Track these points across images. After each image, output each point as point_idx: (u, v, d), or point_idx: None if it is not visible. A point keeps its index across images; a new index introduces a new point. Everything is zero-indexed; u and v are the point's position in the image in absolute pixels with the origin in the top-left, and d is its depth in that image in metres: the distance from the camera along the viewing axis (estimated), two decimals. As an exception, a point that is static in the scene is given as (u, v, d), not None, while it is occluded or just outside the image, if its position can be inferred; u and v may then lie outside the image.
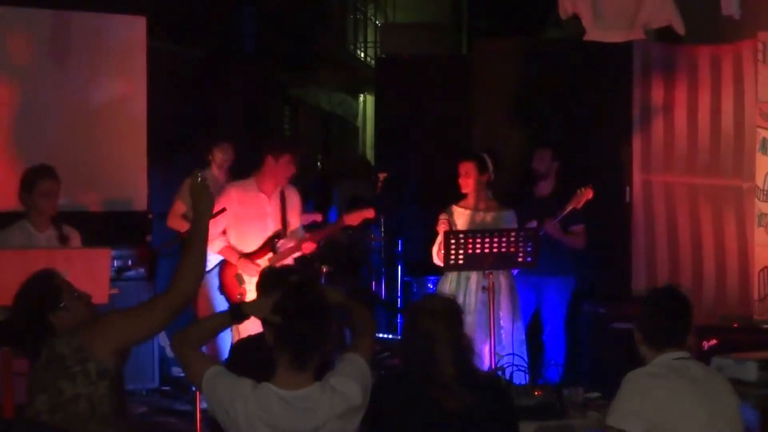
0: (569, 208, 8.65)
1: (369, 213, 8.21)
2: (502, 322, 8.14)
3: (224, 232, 7.97)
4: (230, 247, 7.94)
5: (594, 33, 8.80)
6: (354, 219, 8.24)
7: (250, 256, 7.93)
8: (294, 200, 8.17)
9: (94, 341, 4.38)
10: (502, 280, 8.16)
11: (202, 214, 4.61)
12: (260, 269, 7.38)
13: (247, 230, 7.99)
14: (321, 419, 4.21)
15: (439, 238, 8.06)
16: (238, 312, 4.43)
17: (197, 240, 4.55)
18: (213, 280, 8.13)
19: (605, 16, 8.59)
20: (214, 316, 4.51)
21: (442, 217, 8.36)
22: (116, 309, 4.89)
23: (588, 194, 8.64)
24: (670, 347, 4.81)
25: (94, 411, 4.36)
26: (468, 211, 8.32)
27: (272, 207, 8.03)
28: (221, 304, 7.95)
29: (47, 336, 4.47)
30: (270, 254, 7.94)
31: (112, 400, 4.42)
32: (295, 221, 8.18)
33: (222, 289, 8.01)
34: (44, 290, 4.61)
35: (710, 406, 4.67)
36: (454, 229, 8.14)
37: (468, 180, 8.30)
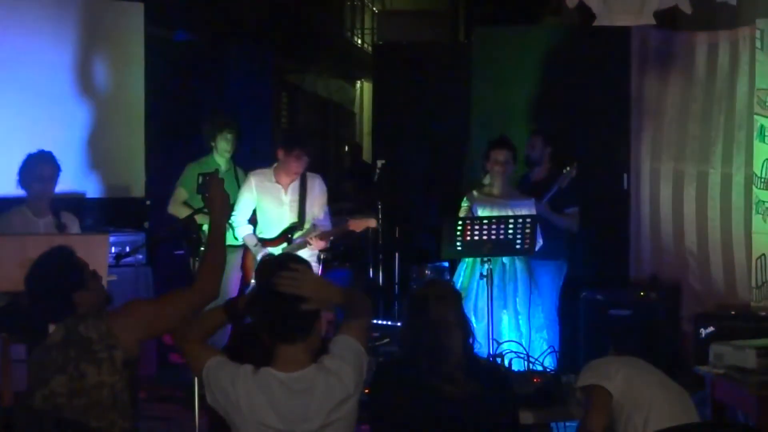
0: (556, 187, 8.69)
1: (372, 222, 8.35)
2: (519, 308, 8.19)
3: (252, 221, 8.30)
4: (250, 236, 8.25)
5: (603, 18, 8.80)
6: (357, 225, 8.32)
7: (268, 243, 8.21)
8: (316, 190, 8.34)
9: (123, 329, 4.34)
10: (518, 265, 8.21)
11: (220, 215, 4.67)
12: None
13: (265, 218, 8.29)
14: (318, 400, 4.22)
15: None
16: (232, 309, 4.45)
17: (217, 240, 4.62)
18: (237, 260, 8.53)
19: (613, 1, 8.59)
20: (215, 311, 4.52)
21: (465, 205, 8.37)
22: (139, 298, 4.88)
23: (571, 173, 8.70)
24: None
25: (116, 401, 4.31)
26: (491, 198, 8.31)
27: (290, 197, 8.24)
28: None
29: (68, 316, 4.41)
30: (284, 244, 8.18)
31: (132, 391, 4.41)
32: (317, 210, 8.34)
33: (242, 267, 8.38)
34: (69, 268, 4.56)
35: (669, 385, 5.08)
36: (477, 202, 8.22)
37: (504, 167, 8.30)
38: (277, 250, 8.06)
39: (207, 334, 4.45)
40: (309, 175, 8.33)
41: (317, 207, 8.32)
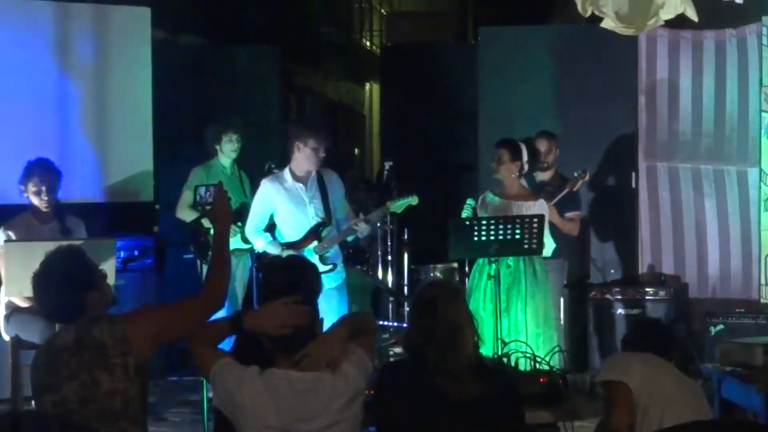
0: (566, 191, 8.71)
1: (413, 200, 7.94)
2: (522, 307, 8.15)
3: (269, 228, 7.95)
4: (273, 243, 7.85)
5: (609, 23, 8.80)
6: (398, 207, 8.01)
7: (294, 245, 7.81)
8: (335, 185, 8.01)
9: (137, 335, 4.27)
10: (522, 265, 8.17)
11: (224, 225, 4.69)
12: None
13: (289, 221, 7.88)
14: (324, 399, 4.26)
15: None
16: (237, 324, 4.47)
17: (222, 250, 4.63)
18: (245, 263, 8.73)
19: (624, 13, 8.59)
20: (221, 322, 4.56)
21: (469, 202, 8.34)
22: (151, 304, 4.86)
23: (584, 177, 8.72)
24: None
25: (127, 408, 4.25)
26: (499, 199, 8.29)
27: (311, 194, 7.87)
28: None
29: (78, 318, 4.33)
30: (315, 242, 7.83)
31: (143, 398, 4.36)
32: (340, 205, 8.03)
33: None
34: (81, 268, 4.47)
35: (686, 383, 5.06)
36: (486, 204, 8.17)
37: (499, 166, 8.28)
38: (308, 250, 7.74)
39: (214, 340, 4.48)
40: (323, 170, 7.94)
41: (339, 201, 8.00)
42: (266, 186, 7.91)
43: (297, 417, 4.24)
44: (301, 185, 7.86)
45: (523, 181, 8.56)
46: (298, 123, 8.23)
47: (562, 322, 9.03)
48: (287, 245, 7.80)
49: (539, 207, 8.21)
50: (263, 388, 4.25)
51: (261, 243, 7.89)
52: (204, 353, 4.41)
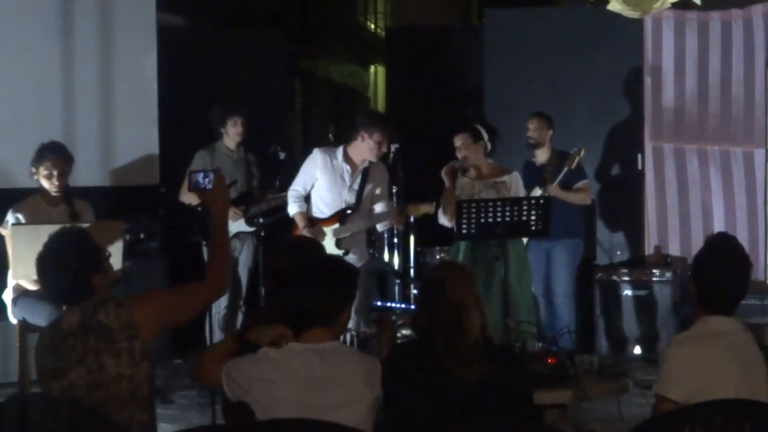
0: (565, 170, 8.78)
1: (429, 208, 8.18)
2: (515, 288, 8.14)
3: (307, 199, 8.13)
4: (301, 214, 8.05)
5: (616, 6, 8.80)
6: (416, 211, 8.29)
7: (317, 223, 8.03)
8: (377, 176, 8.18)
9: (143, 319, 4.26)
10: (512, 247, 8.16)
11: (223, 211, 4.69)
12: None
13: (323, 195, 8.08)
14: (344, 370, 4.29)
15: (444, 201, 8.08)
16: (242, 340, 4.48)
17: (222, 236, 4.63)
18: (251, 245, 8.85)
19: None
20: (227, 340, 4.58)
21: (451, 163, 8.32)
22: (156, 288, 4.84)
23: (579, 154, 8.75)
24: (718, 314, 4.59)
25: (135, 394, 4.25)
26: (471, 181, 8.30)
27: (353, 179, 8.06)
28: None
29: (84, 300, 4.32)
30: (336, 224, 8.01)
31: (150, 382, 4.35)
32: (379, 198, 8.21)
33: None
34: (87, 249, 4.43)
35: (745, 372, 4.53)
36: (456, 185, 8.15)
37: (466, 151, 8.30)
38: (328, 231, 7.96)
39: (219, 362, 4.42)
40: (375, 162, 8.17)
41: (378, 192, 8.17)
42: (316, 155, 8.14)
43: (317, 386, 4.24)
44: (348, 168, 8.05)
45: (490, 159, 8.61)
46: (368, 114, 8.42)
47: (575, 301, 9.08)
48: (312, 222, 7.99)
49: (513, 178, 8.25)
50: (282, 360, 4.26)
51: (293, 209, 8.08)
52: (210, 372, 4.40)
